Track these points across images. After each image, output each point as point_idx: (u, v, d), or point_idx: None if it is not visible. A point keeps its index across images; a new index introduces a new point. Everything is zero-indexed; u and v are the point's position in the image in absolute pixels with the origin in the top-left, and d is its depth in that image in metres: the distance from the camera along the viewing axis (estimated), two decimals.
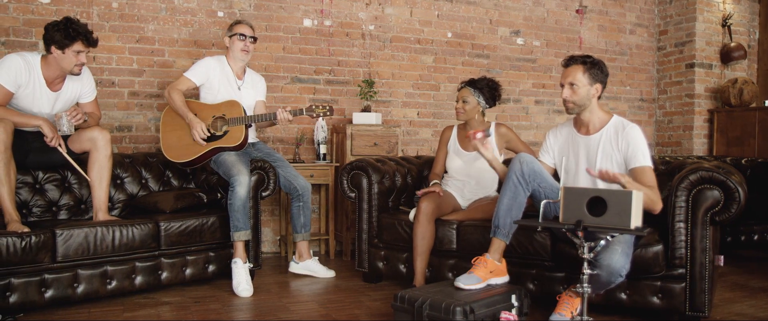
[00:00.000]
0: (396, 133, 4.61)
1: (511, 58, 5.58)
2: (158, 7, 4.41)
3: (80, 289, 3.09)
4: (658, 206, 2.69)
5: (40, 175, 3.52)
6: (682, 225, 2.82)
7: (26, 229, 2.94)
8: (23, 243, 2.87)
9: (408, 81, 5.19)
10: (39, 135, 3.30)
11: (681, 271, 2.82)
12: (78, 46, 3.20)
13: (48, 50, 3.21)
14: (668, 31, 6.15)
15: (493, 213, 2.88)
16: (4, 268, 2.84)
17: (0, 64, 3.18)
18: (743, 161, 4.60)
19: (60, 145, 3.27)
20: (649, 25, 6.24)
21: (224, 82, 3.82)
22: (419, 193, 3.51)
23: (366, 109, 4.67)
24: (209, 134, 3.67)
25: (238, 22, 3.90)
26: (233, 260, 3.50)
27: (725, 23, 6.01)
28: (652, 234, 2.84)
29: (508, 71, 5.56)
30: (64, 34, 3.15)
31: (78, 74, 3.34)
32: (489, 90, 3.61)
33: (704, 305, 2.79)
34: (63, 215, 3.55)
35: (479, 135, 3.02)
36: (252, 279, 3.56)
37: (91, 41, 3.26)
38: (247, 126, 3.72)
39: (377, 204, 3.71)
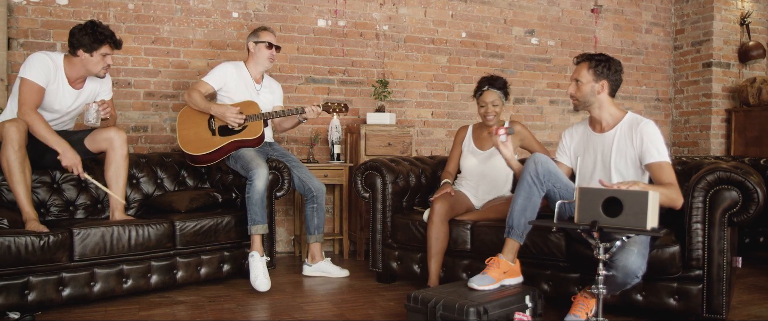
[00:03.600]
0: (410, 133, 4.61)
1: (525, 58, 5.56)
2: (173, 9, 4.44)
3: (97, 287, 3.12)
4: (678, 202, 2.65)
5: (58, 174, 3.56)
6: (699, 226, 2.79)
7: (45, 229, 2.97)
8: (42, 242, 2.91)
9: (422, 81, 5.19)
10: (59, 134, 3.34)
11: (698, 272, 2.79)
12: (105, 49, 3.27)
13: (74, 53, 3.26)
14: (685, 30, 6.09)
15: (507, 213, 2.87)
16: (23, 267, 2.88)
17: (29, 62, 3.22)
18: (762, 162, 4.54)
19: (78, 171, 3.25)
20: (665, 24, 6.18)
21: (241, 87, 3.84)
22: (433, 198, 3.50)
23: (380, 110, 4.67)
24: (243, 115, 3.69)
25: (263, 29, 3.91)
26: (250, 254, 3.52)
27: (743, 22, 5.94)
28: (668, 235, 2.82)
29: (523, 71, 5.54)
30: (92, 37, 3.21)
31: (103, 77, 3.39)
32: (505, 87, 3.62)
33: (722, 307, 2.76)
34: (80, 214, 3.59)
35: (502, 131, 2.99)
36: None
37: (117, 44, 3.33)
38: (265, 122, 3.76)
39: (391, 204, 3.71)
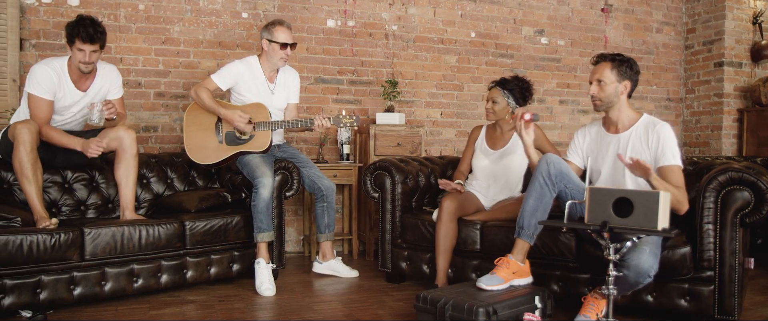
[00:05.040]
0: (419, 133, 4.61)
1: (535, 58, 5.54)
2: (183, 9, 4.46)
3: (107, 287, 3.14)
4: (684, 207, 2.66)
5: (69, 174, 3.58)
6: (710, 226, 2.77)
7: (55, 222, 2.99)
8: (53, 241, 2.93)
9: (431, 81, 5.18)
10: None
11: (709, 273, 2.77)
12: (78, 43, 3.21)
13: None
14: (696, 30, 6.04)
15: (518, 213, 2.86)
16: (35, 266, 2.90)
17: (32, 75, 3.24)
18: None
19: (99, 148, 3.30)
20: (676, 23, 6.14)
21: (253, 88, 3.77)
22: (441, 182, 3.50)
23: (389, 110, 4.67)
24: (250, 122, 3.66)
25: (277, 24, 3.75)
26: (256, 260, 3.53)
27: (756, 20, 5.89)
28: (679, 235, 2.80)
29: (532, 71, 5.51)
30: (69, 31, 3.23)
31: (85, 72, 3.32)
32: (520, 90, 3.57)
33: (734, 309, 2.74)
34: (91, 214, 3.61)
35: (528, 116, 2.94)
36: (275, 279, 3.58)
37: (86, 38, 3.20)
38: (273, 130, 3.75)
39: (400, 204, 3.70)
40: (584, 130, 3.10)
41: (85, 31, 3.19)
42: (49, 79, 3.24)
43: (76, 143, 3.29)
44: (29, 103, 3.24)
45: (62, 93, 3.31)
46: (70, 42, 3.24)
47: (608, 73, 2.84)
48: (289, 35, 3.76)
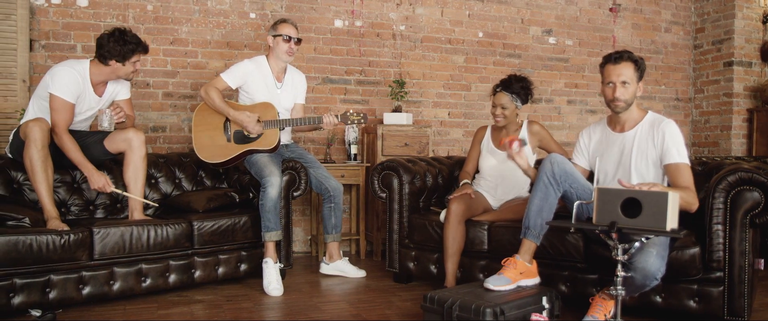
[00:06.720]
0: (427, 133, 4.60)
1: (543, 58, 5.52)
2: (191, 9, 4.48)
3: (116, 286, 3.16)
4: (694, 206, 2.64)
5: (78, 174, 3.59)
6: (720, 227, 2.75)
7: (66, 228, 3.01)
8: (62, 240, 2.95)
9: (439, 81, 5.18)
10: (78, 135, 3.38)
11: (719, 274, 2.75)
12: (136, 56, 3.32)
13: (105, 62, 3.28)
14: (705, 29, 6.01)
15: (524, 214, 2.85)
16: (45, 265, 2.92)
17: (58, 76, 3.22)
18: None
19: (108, 186, 3.34)
20: (685, 22, 6.11)
21: (261, 86, 3.80)
22: (451, 197, 3.49)
23: (397, 110, 4.67)
24: (261, 123, 3.68)
25: (282, 21, 3.82)
26: (264, 260, 3.54)
27: (766, 20, 5.85)
28: (688, 236, 2.78)
29: (540, 71, 5.50)
30: (124, 48, 3.24)
31: (132, 80, 3.49)
32: (523, 91, 3.57)
33: (743, 310, 2.72)
34: (100, 214, 3.63)
35: (515, 144, 2.95)
36: (283, 278, 3.59)
37: (146, 49, 3.38)
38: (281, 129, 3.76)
39: (408, 204, 3.70)
40: (588, 131, 3.08)
41: (142, 44, 3.33)
42: (76, 82, 3.26)
43: (88, 169, 3.29)
44: (51, 104, 3.23)
45: (83, 97, 3.33)
46: (124, 58, 3.26)
47: (632, 74, 2.77)
48: (294, 30, 3.81)
